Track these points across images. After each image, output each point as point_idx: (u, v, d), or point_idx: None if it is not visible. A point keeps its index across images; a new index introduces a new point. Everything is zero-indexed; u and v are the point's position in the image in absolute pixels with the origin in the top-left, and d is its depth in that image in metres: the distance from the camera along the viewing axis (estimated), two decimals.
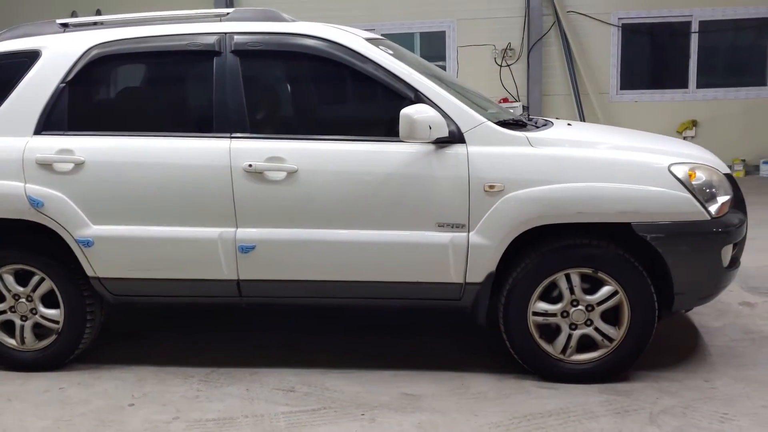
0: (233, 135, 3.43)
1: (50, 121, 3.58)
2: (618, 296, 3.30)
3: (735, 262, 3.47)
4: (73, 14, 10.52)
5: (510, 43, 9.71)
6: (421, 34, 10.09)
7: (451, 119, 3.30)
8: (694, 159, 3.41)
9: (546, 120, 4.02)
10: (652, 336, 3.32)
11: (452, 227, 3.30)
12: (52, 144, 3.53)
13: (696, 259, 3.28)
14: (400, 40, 10.00)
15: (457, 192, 3.27)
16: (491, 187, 3.24)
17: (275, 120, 3.56)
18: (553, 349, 3.38)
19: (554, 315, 3.35)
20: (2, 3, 10.80)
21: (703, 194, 3.25)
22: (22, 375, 3.68)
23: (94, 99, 3.65)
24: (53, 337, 3.70)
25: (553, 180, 3.22)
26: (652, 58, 9.87)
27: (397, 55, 3.56)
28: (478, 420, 3.07)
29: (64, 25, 3.79)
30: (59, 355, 3.71)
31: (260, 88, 3.54)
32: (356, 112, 3.57)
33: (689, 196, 3.20)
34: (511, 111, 4.82)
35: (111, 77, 3.66)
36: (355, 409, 3.20)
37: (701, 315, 4.22)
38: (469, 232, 3.29)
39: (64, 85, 3.59)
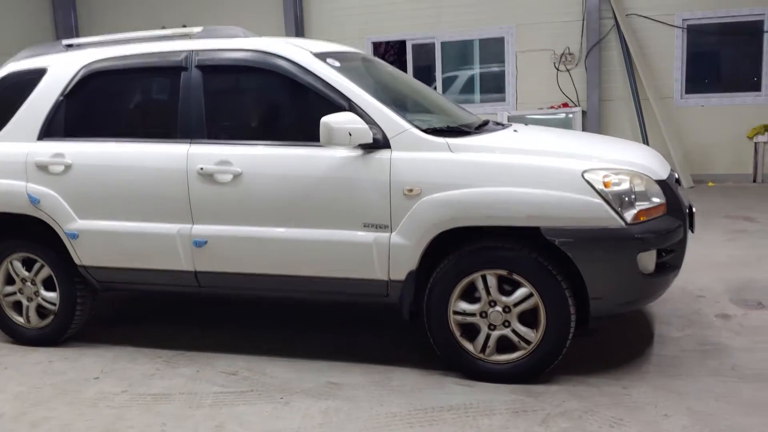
0: (193, 141, 3.83)
1: (50, 129, 4.14)
2: (533, 299, 3.37)
3: (666, 269, 3.44)
4: (162, 28, 11.44)
5: (568, 47, 9.59)
6: (481, 40, 10.17)
7: (378, 126, 3.51)
8: (621, 165, 3.41)
9: (503, 125, 4.14)
10: (568, 339, 3.36)
11: (376, 227, 3.51)
12: (49, 149, 4.08)
13: (609, 265, 3.29)
14: (460, 48, 10.23)
15: (380, 194, 3.47)
16: (410, 190, 3.42)
17: (227, 127, 3.91)
18: (473, 348, 3.50)
19: (473, 315, 3.47)
20: (97, 20, 11.96)
21: (619, 200, 3.25)
22: (26, 349, 4.25)
23: (83, 109, 4.15)
24: (51, 318, 4.25)
25: (465, 184, 3.36)
26: (720, 61, 9.40)
27: (344, 68, 3.81)
28: (381, 409, 3.25)
29: (69, 46, 4.34)
30: (56, 333, 4.26)
31: (217, 99, 3.90)
32: (298, 120, 3.83)
33: (600, 201, 3.22)
34: (488, 117, 4.86)
35: (99, 90, 4.14)
36: (277, 393, 3.47)
37: (665, 324, 4.14)
38: (391, 232, 3.48)
39: (62, 97, 4.14)
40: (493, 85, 10.29)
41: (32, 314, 4.29)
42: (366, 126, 3.45)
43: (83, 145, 4.05)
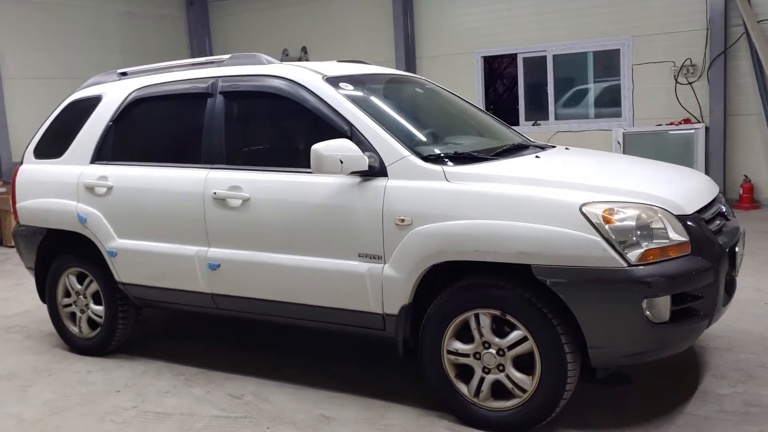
0: (212, 166, 3.91)
1: (100, 153, 4.42)
2: (528, 343, 3.07)
3: (689, 317, 2.99)
4: (284, 52, 11.99)
5: (690, 58, 8.78)
6: (595, 53, 9.60)
7: (377, 153, 3.39)
8: (632, 197, 3.03)
9: (540, 148, 3.88)
10: (565, 390, 3.02)
11: (370, 258, 3.38)
12: (96, 171, 4.36)
13: (609, 310, 2.92)
14: (573, 61, 9.72)
15: (374, 224, 3.34)
16: (402, 220, 3.26)
17: (242, 152, 3.94)
18: (468, 391, 3.25)
19: (467, 356, 3.23)
20: (229, 45, 12.70)
21: (621, 238, 2.88)
22: (75, 357, 4.55)
23: (127, 134, 4.39)
24: (98, 330, 4.53)
25: (457, 216, 3.14)
26: None
27: (358, 92, 3.74)
28: None
29: (123, 74, 4.63)
30: (102, 344, 4.52)
31: (235, 124, 3.96)
32: (304, 145, 3.77)
33: (598, 238, 2.87)
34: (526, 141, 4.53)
35: (140, 116, 4.36)
36: (267, 422, 3.44)
37: (717, 377, 3.62)
38: (384, 263, 3.34)
39: (111, 123, 4.41)
40: (608, 100, 9.66)
41: (83, 325, 4.59)
42: (360, 153, 3.34)
43: (123, 168, 4.28)
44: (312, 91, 3.66)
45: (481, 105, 10.31)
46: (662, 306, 2.90)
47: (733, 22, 8.48)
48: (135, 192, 4.18)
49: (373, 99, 3.87)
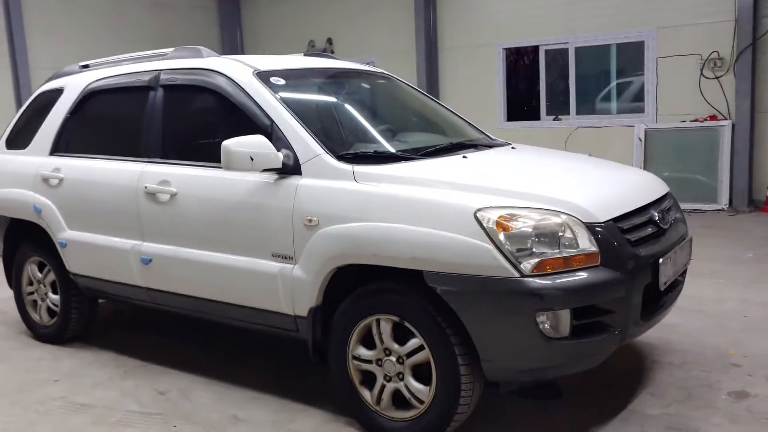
0: (149, 160, 3.90)
1: (58, 145, 4.48)
2: (425, 352, 2.93)
3: (596, 332, 2.79)
4: (310, 43, 11.98)
5: (717, 51, 8.29)
6: (618, 45, 9.18)
7: (293, 150, 3.30)
8: (536, 203, 2.83)
9: (487, 146, 3.74)
10: (459, 404, 2.86)
11: (282, 258, 3.29)
12: (51, 163, 4.42)
13: (499, 322, 2.74)
14: (596, 54, 9.33)
15: (286, 223, 3.25)
16: (309, 220, 3.16)
17: (174, 146, 3.89)
18: (370, 399, 3.13)
19: (370, 362, 3.11)
20: (259, 39, 12.78)
21: (517, 246, 2.70)
22: (36, 344, 4.64)
23: (80, 127, 4.42)
24: (55, 318, 4.60)
25: (358, 218, 3.02)
26: None
27: (290, 86, 3.65)
28: None
29: (84, 66, 4.67)
30: (58, 332, 4.59)
31: (170, 118, 3.92)
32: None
33: (489, 246, 2.70)
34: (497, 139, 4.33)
35: (92, 109, 4.38)
36: (178, 420, 3.41)
37: (653, 396, 3.38)
38: (294, 264, 3.25)
39: (68, 115, 4.46)
40: (631, 95, 9.24)
41: (43, 313, 4.67)
42: (272, 150, 3.25)
43: (73, 160, 4.32)
44: (239, 85, 3.59)
45: (502, 98, 10.04)
46: (560, 320, 2.71)
47: (763, 12, 7.96)
48: (82, 184, 4.21)
49: (305, 95, 3.79)
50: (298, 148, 3.29)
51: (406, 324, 2.95)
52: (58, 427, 3.41)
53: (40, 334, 4.72)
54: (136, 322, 5.11)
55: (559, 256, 2.74)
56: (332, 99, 3.96)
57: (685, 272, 3.55)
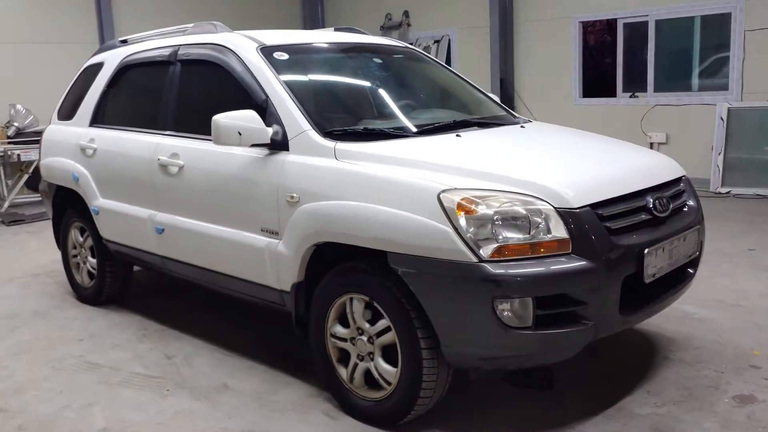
0: (164, 132, 4.03)
1: (96, 116, 4.71)
2: (392, 333, 2.88)
3: (565, 323, 2.65)
4: (387, 16, 11.92)
5: None
6: (702, 17, 8.54)
7: (283, 126, 3.31)
8: (505, 185, 2.70)
9: (496, 125, 3.69)
10: (421, 388, 2.80)
11: (269, 233, 3.33)
12: (89, 134, 4.66)
13: (457, 308, 2.65)
14: (677, 27, 8.72)
15: (272, 199, 3.28)
16: (291, 197, 3.17)
17: (184, 120, 3.97)
18: (345, 376, 3.13)
19: (345, 340, 3.10)
20: (341, 12, 12.82)
21: (478, 230, 2.59)
22: (76, 304, 4.95)
23: (114, 100, 4.62)
24: (93, 280, 4.88)
25: (334, 196, 2.99)
26: None
27: (289, 62, 3.65)
28: (223, 423, 3.12)
29: (123, 41, 4.86)
30: (95, 294, 4.87)
31: (185, 91, 4.01)
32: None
33: (448, 228, 2.61)
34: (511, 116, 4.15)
35: (125, 83, 4.57)
36: (172, 385, 3.53)
37: (651, 393, 3.18)
38: (279, 240, 3.27)
39: (106, 88, 4.68)
40: (715, 71, 8.59)
41: (84, 275, 4.97)
42: (260, 126, 3.27)
43: (106, 132, 4.53)
44: (242, 60, 3.62)
45: (577, 74, 9.61)
46: (521, 309, 2.59)
47: None
48: (111, 155, 4.41)
49: (307, 70, 3.77)
50: (287, 123, 3.30)
51: (375, 304, 2.92)
52: (65, 383, 3.63)
53: (81, 295, 5.02)
54: (169, 288, 5.32)
55: (524, 242, 2.61)
56: (337, 75, 3.92)
57: (694, 264, 3.30)
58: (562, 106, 9.74)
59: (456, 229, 2.60)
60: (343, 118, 3.58)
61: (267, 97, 3.41)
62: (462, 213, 2.61)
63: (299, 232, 3.13)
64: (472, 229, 2.59)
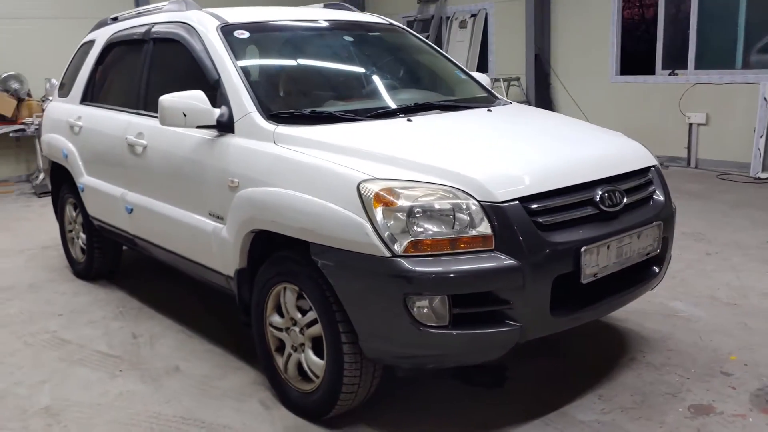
0: (135, 111, 4.02)
1: (85, 94, 4.75)
2: (318, 326, 2.79)
3: (487, 323, 2.50)
4: None
5: None
6: None
7: (230, 107, 3.23)
8: (433, 176, 2.55)
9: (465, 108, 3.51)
10: (342, 383, 2.71)
11: (216, 218, 3.27)
12: (78, 111, 4.70)
13: (372, 304, 2.53)
14: None
15: (217, 183, 3.21)
16: (232, 182, 3.10)
17: (151, 98, 3.91)
18: (282, 367, 3.06)
19: (281, 330, 3.03)
20: None
21: (393, 223, 2.45)
22: (70, 278, 5.05)
23: (99, 78, 4.64)
24: (85, 256, 4.97)
25: (268, 182, 2.90)
26: None
27: (250, 41, 3.56)
28: (158, 408, 3.11)
29: (114, 19, 4.86)
30: (86, 270, 4.96)
31: (153, 70, 3.97)
32: None
33: (364, 221, 2.48)
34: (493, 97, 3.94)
35: (109, 61, 4.58)
36: (126, 365, 3.55)
37: (601, 399, 2.98)
38: (224, 225, 3.21)
39: (94, 66, 4.70)
40: (762, 48, 8.01)
41: (77, 250, 5.06)
42: (206, 107, 3.19)
43: (90, 110, 4.56)
44: (201, 38, 3.55)
45: (615, 50, 9.14)
46: (436, 307, 2.45)
47: None
48: (93, 133, 4.44)
49: (267, 50, 3.67)
50: (234, 105, 3.21)
51: (305, 295, 2.83)
52: (29, 359, 3.70)
53: (75, 270, 5.12)
54: (160, 267, 5.34)
55: (443, 237, 2.46)
56: (300, 55, 3.80)
57: (659, 261, 3.07)
58: (598, 84, 9.32)
59: (372, 221, 2.47)
60: (298, 100, 3.48)
61: (219, 77, 3.33)
62: (380, 205, 2.47)
63: (238, 218, 3.05)
64: (388, 222, 2.45)
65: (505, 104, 3.85)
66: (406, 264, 2.42)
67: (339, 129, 3.02)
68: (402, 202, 2.46)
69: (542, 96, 9.78)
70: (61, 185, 5.12)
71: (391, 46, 4.16)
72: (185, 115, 3.18)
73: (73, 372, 3.52)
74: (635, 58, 9.22)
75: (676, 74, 8.58)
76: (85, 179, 4.55)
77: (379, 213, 2.46)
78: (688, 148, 8.49)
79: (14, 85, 8.92)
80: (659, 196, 3.06)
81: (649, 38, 8.89)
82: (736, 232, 5.50)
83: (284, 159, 2.87)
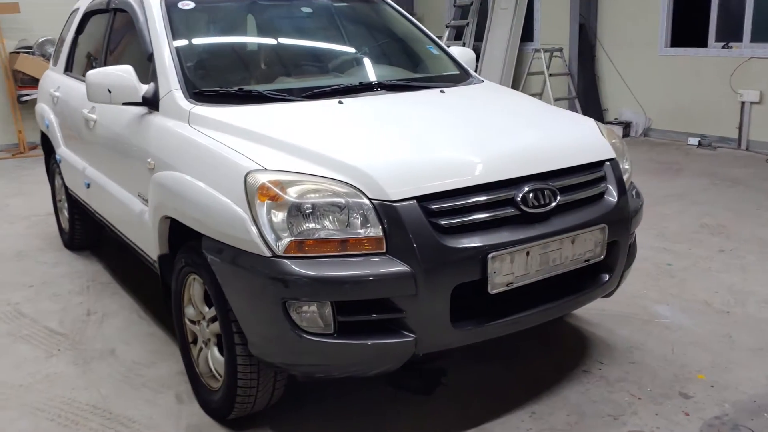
0: None
1: (67, 64, 4.68)
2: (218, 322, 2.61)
3: (372, 333, 2.26)
4: None
5: None
6: None
7: (157, 83, 3.05)
8: (326, 169, 2.30)
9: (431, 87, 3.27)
10: (237, 385, 2.52)
11: (143, 199, 3.13)
12: (58, 81, 4.64)
13: (253, 305, 2.33)
14: None
15: (140, 163, 3.06)
16: (149, 163, 2.94)
17: None
18: (195, 361, 2.91)
19: (194, 323, 2.87)
20: None
21: (274, 220, 2.22)
22: (58, 248, 5.06)
23: (77, 46, 4.55)
24: (68, 227, 4.95)
25: (174, 165, 2.73)
26: None
27: (195, 12, 3.37)
28: (69, 388, 3.03)
29: None
30: (70, 240, 4.95)
31: (111, 41, 3.84)
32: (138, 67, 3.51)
33: (246, 216, 2.27)
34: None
35: (85, 30, 4.46)
36: (66, 346, 3.48)
37: (535, 417, 2.69)
38: (147, 207, 3.06)
39: (74, 35, 4.62)
40: None
41: (64, 221, 5.06)
42: (131, 83, 3.02)
43: (66, 80, 4.49)
44: (144, 9, 3.37)
45: (665, 19, 8.44)
46: (316, 313, 2.23)
47: None
48: (65, 104, 4.38)
49: (210, 23, 3.47)
50: (160, 81, 3.04)
51: (206, 288, 2.65)
52: None
53: (63, 239, 5.13)
54: None
55: (330, 237, 2.22)
56: (249, 29, 3.56)
57: (608, 268, 2.72)
58: (645, 56, 8.65)
59: (253, 216, 2.25)
60: (238, 78, 3.25)
61: (152, 50, 3.16)
62: (265, 199, 2.25)
63: (153, 202, 2.90)
64: (271, 219, 2.23)
65: (475, 83, 3.51)
66: (286, 266, 2.19)
67: (255, 111, 2.80)
68: (287, 198, 2.23)
69: (585, 68, 9.18)
70: (50, 154, 5.11)
71: (358, 19, 3.88)
72: (110, 92, 3.02)
73: (14, 349, 3.49)
74: (687, 29, 8.49)
75: (730, 47, 7.86)
76: (61, 150, 4.51)
77: (262, 208, 2.24)
78: (740, 128, 7.80)
79: (50, 50, 9.02)
80: (611, 195, 2.70)
81: (703, 7, 8.15)
82: (763, 227, 4.98)
83: (190, 142, 2.68)
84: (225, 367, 2.59)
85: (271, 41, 3.59)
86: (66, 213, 4.93)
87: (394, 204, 2.22)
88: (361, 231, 2.22)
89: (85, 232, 4.83)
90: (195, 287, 2.77)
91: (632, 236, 2.94)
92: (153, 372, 3.20)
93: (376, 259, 2.21)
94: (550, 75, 9.05)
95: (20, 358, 3.39)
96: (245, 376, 2.52)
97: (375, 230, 2.22)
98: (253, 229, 2.24)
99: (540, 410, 2.75)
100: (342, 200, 2.23)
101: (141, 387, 3.07)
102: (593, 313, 3.59)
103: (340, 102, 2.92)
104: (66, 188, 4.64)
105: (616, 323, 3.49)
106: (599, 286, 2.71)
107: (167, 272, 3.03)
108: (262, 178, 2.28)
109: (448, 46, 3.79)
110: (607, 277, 2.73)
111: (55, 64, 4.98)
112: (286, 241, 2.21)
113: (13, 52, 9.03)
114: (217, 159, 2.48)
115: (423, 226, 2.23)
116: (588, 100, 9.16)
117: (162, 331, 3.60)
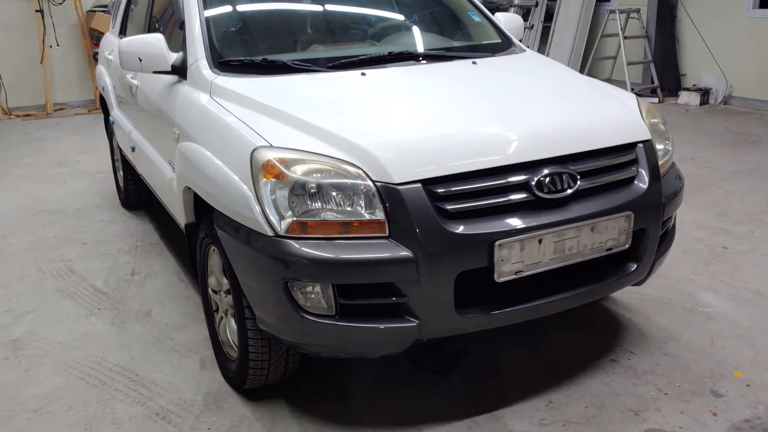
0: None
1: (122, 27, 4.78)
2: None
3: (374, 316, 2.23)
4: None
5: None
6: None
7: (186, 52, 3.06)
8: (333, 148, 2.25)
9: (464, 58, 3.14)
10: (249, 357, 2.55)
11: (172, 167, 3.17)
12: (113, 44, 4.73)
13: (257, 282, 2.32)
14: None
15: (169, 131, 3.10)
16: (174, 132, 2.97)
17: None
18: (219, 330, 2.96)
19: (216, 292, 2.91)
20: None
21: (278, 198, 2.20)
22: (115, 207, 5.24)
23: (132, 11, 4.61)
24: (123, 186, 5.11)
25: (195, 137, 2.74)
26: None
27: None
28: (103, 348, 3.14)
29: None
30: (126, 200, 5.10)
31: (155, 8, 3.88)
32: (174, 37, 3.51)
33: (250, 194, 2.25)
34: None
35: None
36: (107, 305, 3.62)
37: (552, 406, 2.61)
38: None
39: (128, 1, 4.70)
40: None
41: (120, 181, 5.23)
42: (161, 51, 3.03)
43: (119, 42, 4.56)
44: None
45: None
46: (317, 294, 2.21)
47: None
48: (116, 67, 4.45)
49: None
50: (189, 50, 3.04)
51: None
52: (31, 287, 3.86)
53: (120, 198, 5.31)
54: None
55: (333, 219, 2.18)
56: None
57: (636, 256, 2.57)
58: (731, 18, 8.08)
59: (257, 194, 2.23)
60: (263, 47, 3.21)
61: (184, 18, 3.16)
62: (270, 177, 2.22)
63: (177, 172, 2.94)
64: (274, 198, 2.21)
65: (516, 53, 3.35)
66: (287, 246, 2.17)
67: (274, 82, 2.77)
68: (291, 176, 2.20)
69: (664, 31, 8.66)
70: (108, 114, 5.26)
71: None
72: (141, 60, 3.05)
73: (59, 305, 3.65)
74: None
75: None
76: (114, 112, 4.63)
77: (267, 186, 2.22)
78: None
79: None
80: (641, 181, 2.52)
81: None
82: None
83: (208, 113, 2.68)
84: (238, 339, 2.62)
85: (306, 8, 3.52)
86: (121, 173, 5.09)
87: (397, 187, 2.16)
88: (365, 214, 2.17)
89: (138, 192, 4.96)
90: (214, 258, 2.80)
91: (670, 221, 2.77)
92: (183, 336, 3.28)
93: (377, 242, 2.16)
94: (625, 37, 8.59)
95: (63, 314, 3.54)
96: (256, 350, 2.54)
97: (378, 213, 2.16)
98: (257, 207, 2.23)
99: (558, 400, 2.66)
100: (346, 181, 2.18)
101: (170, 350, 3.15)
102: (632, 297, 3.43)
103: (363, 74, 2.84)
104: (120, 149, 4.78)
105: (654, 309, 3.32)
106: (625, 276, 2.57)
107: (194, 240, 3.08)
108: (268, 155, 2.26)
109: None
110: (635, 266, 2.58)
111: (113, 26, 5.09)
112: (288, 221, 2.19)
113: (90, 11, 9.30)
114: (229, 133, 2.47)
115: (426, 210, 2.15)
116: (665, 64, 8.67)
117: (197, 295, 3.68)
